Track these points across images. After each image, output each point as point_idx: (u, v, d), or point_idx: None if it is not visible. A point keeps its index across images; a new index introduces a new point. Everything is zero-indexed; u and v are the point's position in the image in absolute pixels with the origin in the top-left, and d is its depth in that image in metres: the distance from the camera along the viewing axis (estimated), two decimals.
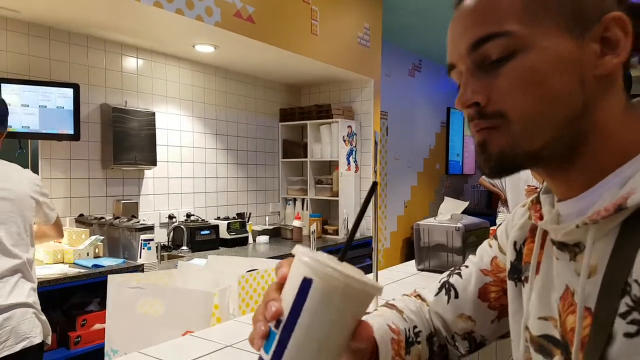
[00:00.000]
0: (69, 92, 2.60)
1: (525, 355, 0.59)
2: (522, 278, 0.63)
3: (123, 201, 2.86)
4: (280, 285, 0.47)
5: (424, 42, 5.11)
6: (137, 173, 3.04)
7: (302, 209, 4.02)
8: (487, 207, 6.41)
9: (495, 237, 0.76)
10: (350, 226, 3.91)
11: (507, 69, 0.48)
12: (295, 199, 4.09)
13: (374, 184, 0.50)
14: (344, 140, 3.86)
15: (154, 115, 3.02)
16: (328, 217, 4.13)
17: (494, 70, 0.49)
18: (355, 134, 3.97)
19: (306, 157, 4.03)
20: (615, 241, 0.46)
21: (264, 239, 3.52)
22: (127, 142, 2.85)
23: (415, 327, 0.74)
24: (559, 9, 0.48)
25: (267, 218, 3.91)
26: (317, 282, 0.42)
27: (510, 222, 0.72)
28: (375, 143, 1.27)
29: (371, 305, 0.49)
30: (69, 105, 2.60)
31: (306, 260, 0.43)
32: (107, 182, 2.90)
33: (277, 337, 0.44)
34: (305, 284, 0.42)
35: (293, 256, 0.47)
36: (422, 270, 2.01)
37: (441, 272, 1.84)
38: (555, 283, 0.55)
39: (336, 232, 3.93)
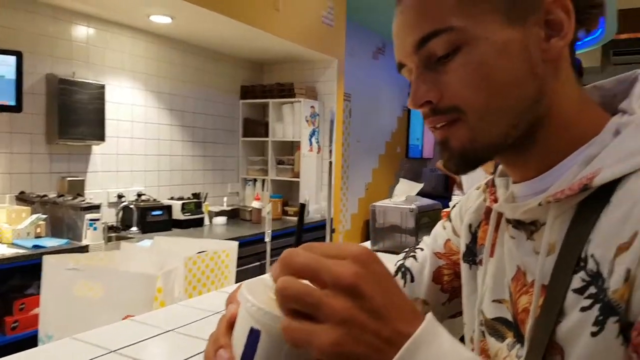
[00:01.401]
0: (11, 60, 2.41)
1: (479, 338, 0.59)
2: (477, 261, 0.63)
3: (68, 178, 2.70)
4: (230, 325, 0.43)
5: (389, 24, 5.07)
6: (84, 149, 2.87)
7: (263, 189, 3.95)
8: (444, 190, 6.55)
9: (450, 219, 0.76)
10: (310, 208, 3.88)
11: (454, 65, 0.48)
12: (255, 180, 4.01)
13: (302, 206, 0.48)
14: (307, 121, 3.80)
15: (104, 88, 2.85)
16: (289, 198, 4.08)
17: (441, 66, 0.48)
18: (318, 114, 3.91)
19: (267, 136, 3.95)
20: (572, 219, 0.46)
21: (221, 220, 3.42)
22: (74, 115, 2.68)
23: None
24: None
25: (225, 199, 3.81)
26: (265, 334, 0.39)
27: (464, 204, 0.72)
28: (332, 121, 1.23)
29: None
30: (11, 74, 2.41)
31: (252, 310, 0.39)
32: (52, 157, 2.73)
33: None
34: (253, 335, 0.39)
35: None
36: (377, 251, 2.02)
37: (395, 252, 1.86)
38: (507, 265, 0.55)
39: (296, 214, 3.89)
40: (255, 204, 3.58)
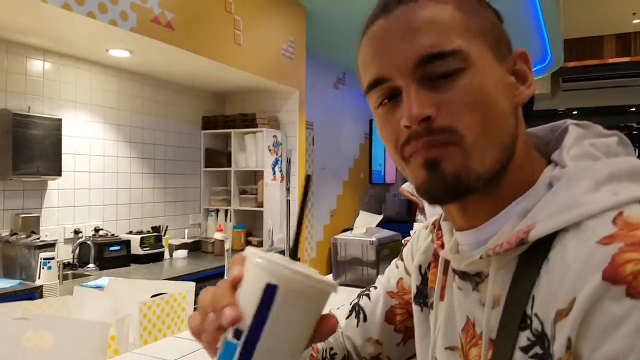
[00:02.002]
0: None
1: None
2: (428, 303, 0.63)
3: (22, 215, 2.62)
4: (233, 286, 0.42)
5: (348, 57, 5.23)
6: (39, 184, 2.80)
7: (226, 220, 3.92)
8: (407, 214, 6.66)
9: (402, 258, 0.77)
10: (274, 237, 3.88)
11: (457, 85, 0.47)
12: (218, 210, 3.98)
13: (308, 177, 0.49)
14: (269, 150, 3.82)
15: (61, 122, 2.80)
16: (253, 228, 4.07)
17: (441, 85, 0.47)
18: (281, 143, 3.94)
19: (230, 166, 3.95)
20: (514, 273, 0.47)
21: (182, 253, 3.35)
22: (29, 150, 2.61)
23: (331, 348, 0.74)
24: (489, 35, 0.50)
25: (186, 231, 3.75)
26: (282, 288, 0.40)
27: (415, 244, 0.72)
28: (288, 160, 1.26)
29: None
30: None
31: (267, 265, 0.40)
32: (5, 194, 2.64)
33: (238, 350, 0.40)
34: (269, 290, 0.40)
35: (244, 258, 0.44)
36: (340, 284, 2.03)
37: (357, 286, 1.88)
38: (457, 314, 0.56)
39: (260, 244, 3.87)
40: (218, 236, 3.54)
